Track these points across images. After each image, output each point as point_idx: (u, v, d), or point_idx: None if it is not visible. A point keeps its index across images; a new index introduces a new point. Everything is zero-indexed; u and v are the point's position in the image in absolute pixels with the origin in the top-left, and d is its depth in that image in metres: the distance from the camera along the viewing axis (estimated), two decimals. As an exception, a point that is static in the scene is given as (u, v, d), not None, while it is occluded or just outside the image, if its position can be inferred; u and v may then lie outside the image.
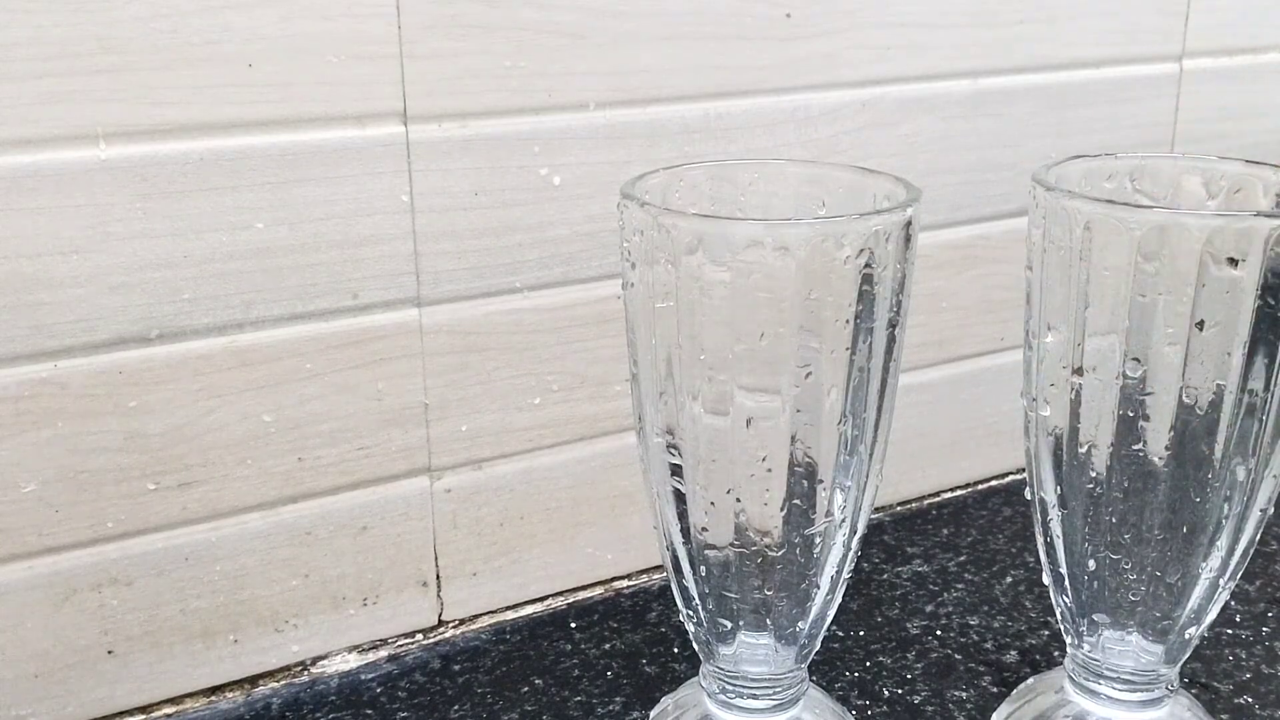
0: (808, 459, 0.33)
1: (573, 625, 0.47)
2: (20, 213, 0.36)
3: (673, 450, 0.34)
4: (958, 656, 0.45)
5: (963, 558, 0.52)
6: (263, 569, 0.42)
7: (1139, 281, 0.31)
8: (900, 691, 0.43)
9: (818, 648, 0.37)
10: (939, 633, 0.46)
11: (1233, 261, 0.30)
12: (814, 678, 0.39)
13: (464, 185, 0.42)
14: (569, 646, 0.46)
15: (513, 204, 0.43)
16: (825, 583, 0.35)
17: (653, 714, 0.41)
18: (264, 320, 0.40)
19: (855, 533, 0.35)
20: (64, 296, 0.37)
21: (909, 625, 0.47)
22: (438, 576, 0.46)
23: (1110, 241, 0.31)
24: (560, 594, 0.49)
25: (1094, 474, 0.34)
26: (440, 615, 0.47)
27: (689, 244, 0.31)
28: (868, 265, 0.31)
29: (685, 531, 0.35)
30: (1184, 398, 0.32)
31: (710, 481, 0.34)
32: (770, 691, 0.37)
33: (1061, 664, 0.39)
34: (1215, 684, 0.43)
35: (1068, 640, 0.38)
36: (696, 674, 0.38)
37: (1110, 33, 0.54)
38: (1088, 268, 0.32)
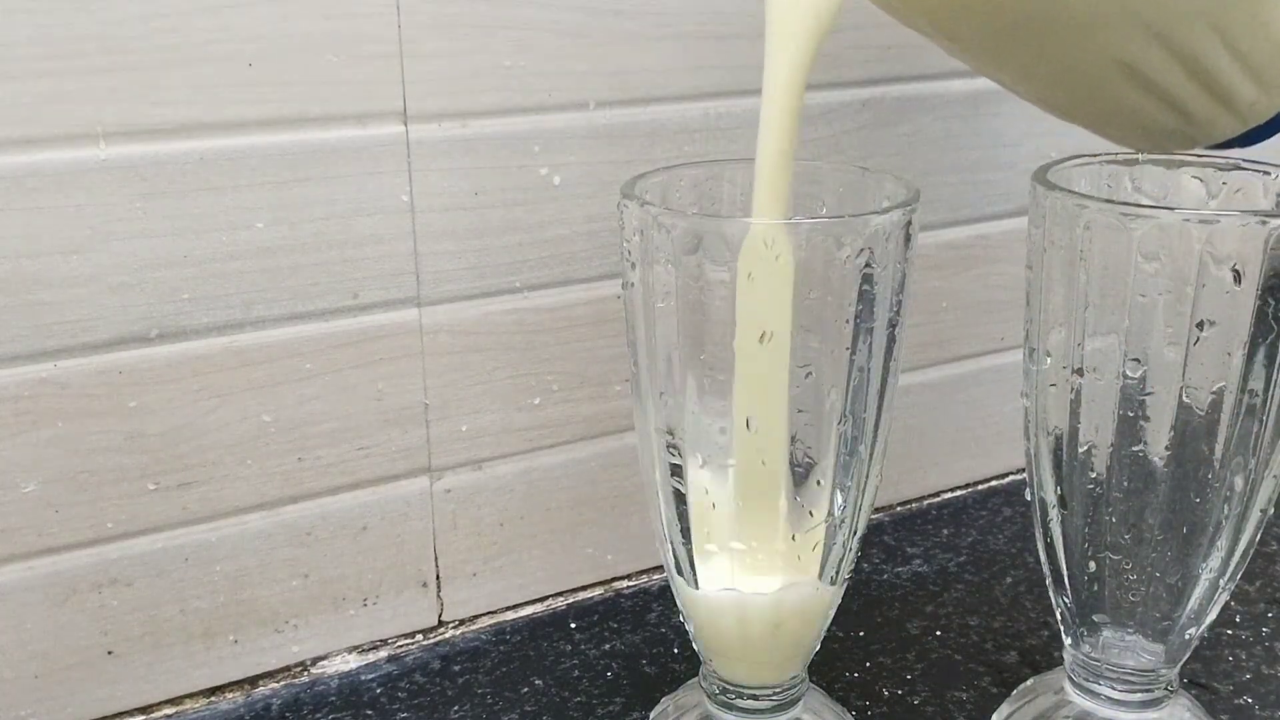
0: (808, 459, 0.33)
1: (573, 625, 0.47)
2: (20, 213, 0.36)
3: (673, 450, 0.34)
4: (957, 657, 0.45)
5: (963, 558, 0.52)
6: (263, 569, 0.42)
7: (1139, 281, 0.31)
8: (900, 692, 0.43)
9: (817, 648, 0.37)
10: (939, 633, 0.46)
11: (1236, 276, 0.30)
12: (814, 678, 0.39)
13: (464, 185, 0.42)
14: (569, 647, 0.46)
15: (513, 204, 0.43)
16: (825, 583, 0.35)
17: (653, 715, 0.40)
18: (264, 320, 0.40)
19: (855, 533, 0.35)
20: (64, 296, 0.37)
21: (909, 626, 0.47)
22: (438, 577, 0.46)
23: (1110, 241, 0.31)
24: (560, 594, 0.49)
25: (1094, 474, 0.34)
26: (440, 615, 0.47)
27: (689, 244, 0.31)
28: (868, 265, 0.31)
29: (685, 532, 0.35)
30: (1184, 398, 0.32)
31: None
32: (770, 692, 0.37)
33: (1061, 664, 0.39)
34: (1215, 684, 0.43)
35: (1067, 641, 0.38)
36: (696, 674, 0.38)
37: (1110, 33, 0.53)
38: (1088, 268, 0.32)
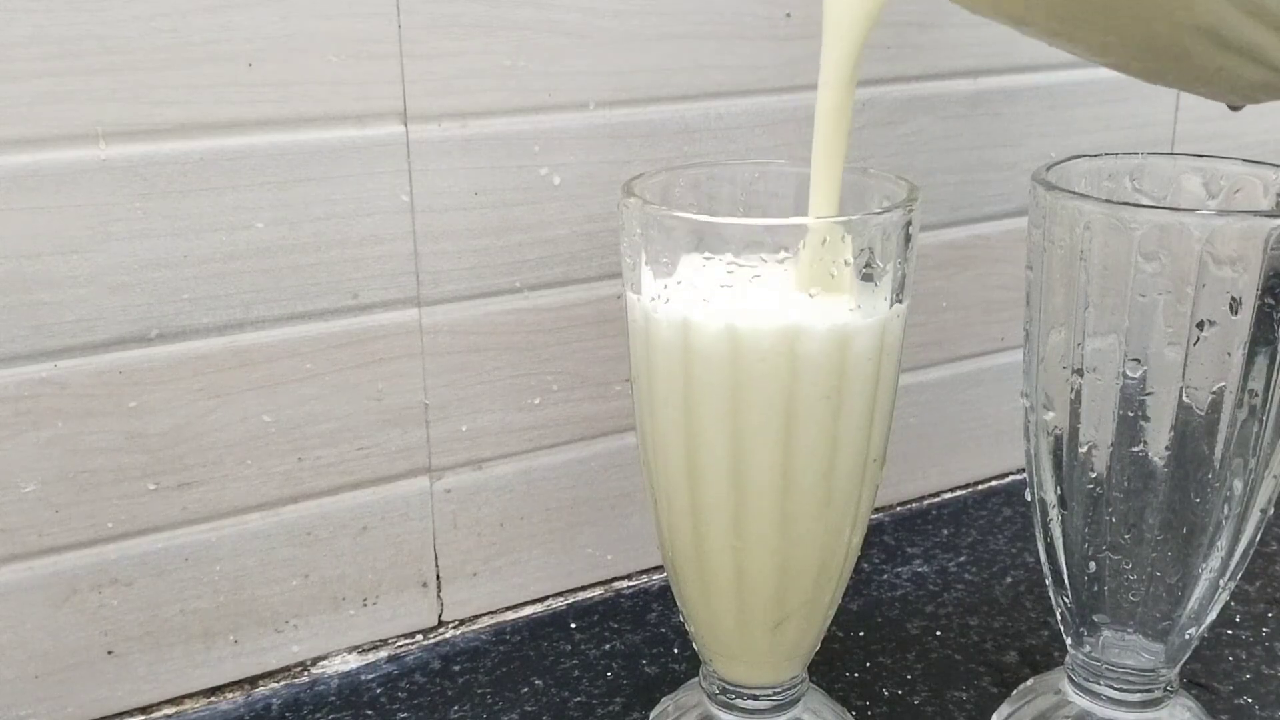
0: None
1: (573, 625, 0.47)
2: (20, 213, 0.36)
3: (673, 450, 0.34)
4: (958, 657, 0.45)
5: (963, 558, 0.52)
6: (263, 569, 0.42)
7: (1139, 281, 0.31)
8: (900, 692, 0.43)
9: (817, 648, 0.37)
10: (939, 633, 0.46)
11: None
12: (814, 678, 0.39)
13: (464, 185, 0.42)
14: (569, 647, 0.46)
15: (513, 204, 0.43)
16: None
17: (653, 715, 0.41)
18: (264, 320, 0.40)
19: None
20: (64, 296, 0.37)
21: (909, 626, 0.47)
22: (438, 577, 0.46)
23: (1110, 241, 0.31)
24: (560, 594, 0.49)
25: (1094, 474, 0.34)
26: (440, 615, 0.47)
27: (689, 244, 0.31)
28: (868, 265, 0.31)
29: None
30: (1184, 398, 0.32)
31: (710, 481, 0.34)
32: (770, 692, 0.37)
33: (1061, 664, 0.39)
34: (1215, 684, 0.43)
35: (1068, 641, 0.38)
36: (696, 674, 0.38)
37: (1110, 33, 0.53)
38: (1088, 268, 0.32)
